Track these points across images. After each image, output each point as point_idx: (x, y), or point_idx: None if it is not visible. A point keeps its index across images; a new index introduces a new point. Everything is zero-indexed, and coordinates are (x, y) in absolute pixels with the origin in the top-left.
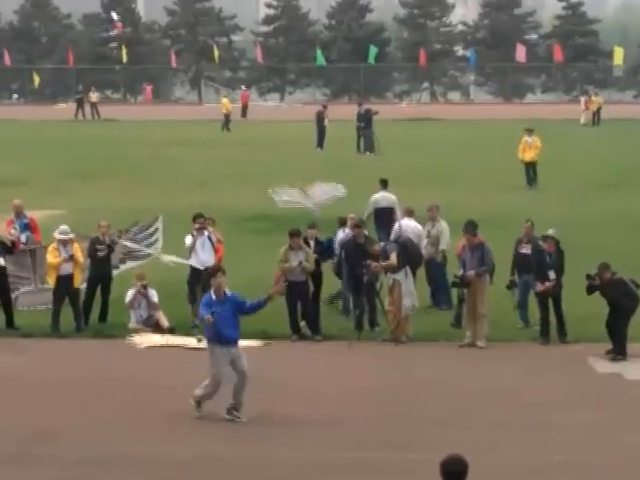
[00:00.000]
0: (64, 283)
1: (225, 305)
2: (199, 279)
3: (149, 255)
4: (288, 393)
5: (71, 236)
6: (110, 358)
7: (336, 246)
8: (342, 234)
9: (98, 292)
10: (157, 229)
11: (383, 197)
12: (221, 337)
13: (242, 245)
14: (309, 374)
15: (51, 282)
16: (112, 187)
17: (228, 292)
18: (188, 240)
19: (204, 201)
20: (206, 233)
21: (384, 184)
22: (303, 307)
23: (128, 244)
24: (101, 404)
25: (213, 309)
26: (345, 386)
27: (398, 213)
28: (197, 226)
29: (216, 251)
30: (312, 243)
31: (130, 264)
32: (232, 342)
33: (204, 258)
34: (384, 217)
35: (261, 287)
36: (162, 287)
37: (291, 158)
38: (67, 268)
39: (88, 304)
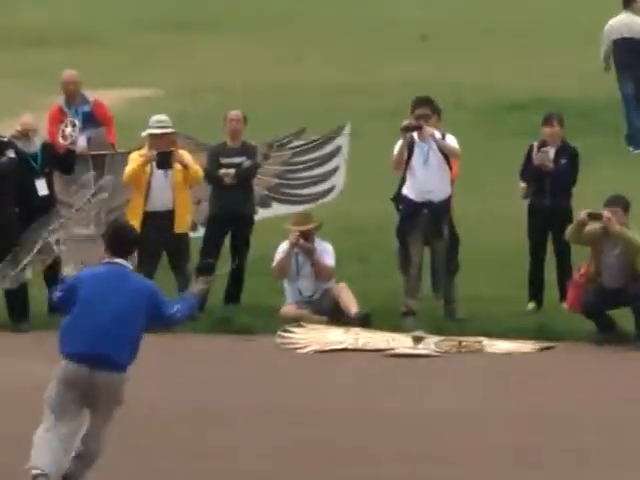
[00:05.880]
0: (156, 226)
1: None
2: (417, 222)
3: (319, 197)
4: None
5: (172, 131)
6: (247, 377)
7: None
8: None
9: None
10: (338, 148)
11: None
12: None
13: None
14: None
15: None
16: (254, 45)
17: None
18: (397, 147)
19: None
20: (438, 133)
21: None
22: None
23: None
24: None
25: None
26: None
27: None
28: (410, 123)
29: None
30: None
31: (278, 208)
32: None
33: (427, 182)
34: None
35: None
36: (346, 237)
37: None
38: (162, 195)
39: (206, 267)
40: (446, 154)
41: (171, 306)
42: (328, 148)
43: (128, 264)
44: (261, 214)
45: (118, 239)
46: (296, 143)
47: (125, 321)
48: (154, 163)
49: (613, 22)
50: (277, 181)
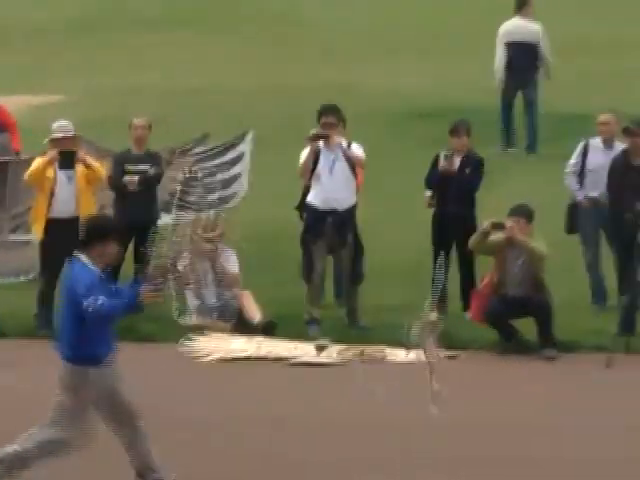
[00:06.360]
0: (62, 232)
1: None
2: (321, 230)
3: (221, 203)
4: None
5: (73, 134)
6: (147, 385)
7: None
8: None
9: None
10: (241, 155)
11: (518, 26)
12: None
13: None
14: None
15: (36, 230)
16: (171, 43)
17: None
18: (304, 155)
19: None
20: (339, 144)
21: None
22: None
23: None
24: None
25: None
26: None
27: (547, 55)
28: (318, 132)
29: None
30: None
31: (182, 216)
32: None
33: (332, 190)
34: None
35: None
36: (254, 244)
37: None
38: (66, 201)
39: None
40: (352, 163)
41: (90, 299)
42: (230, 155)
43: (83, 257)
44: (164, 220)
45: (83, 232)
46: (198, 149)
47: (62, 314)
48: (58, 171)
49: (507, 26)
50: (180, 187)
